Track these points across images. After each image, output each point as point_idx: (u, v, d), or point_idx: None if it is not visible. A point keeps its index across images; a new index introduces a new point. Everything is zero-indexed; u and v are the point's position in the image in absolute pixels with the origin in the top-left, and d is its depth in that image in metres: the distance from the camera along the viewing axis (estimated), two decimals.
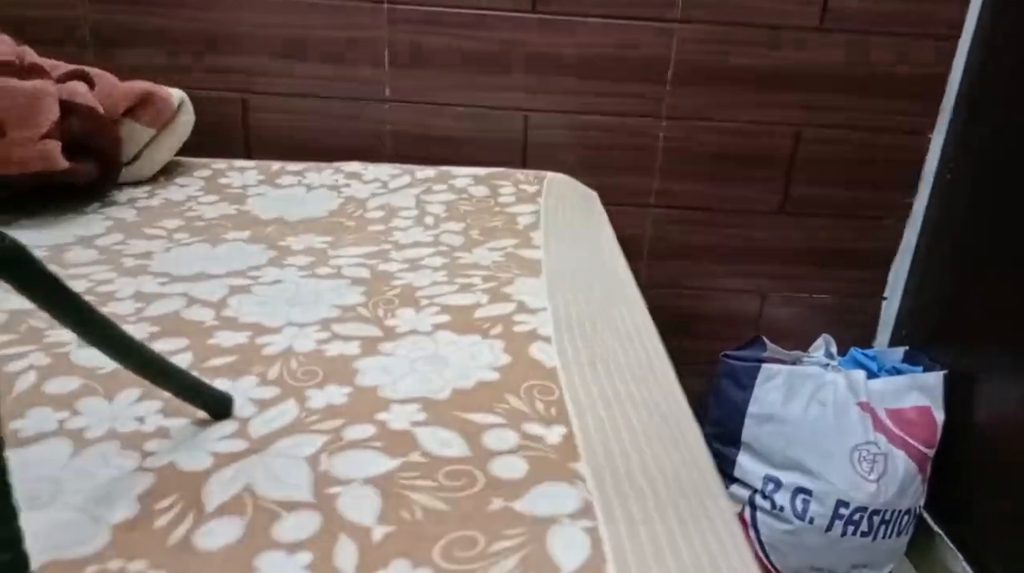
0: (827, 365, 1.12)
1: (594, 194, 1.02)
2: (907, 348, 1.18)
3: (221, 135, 1.06)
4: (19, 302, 0.58)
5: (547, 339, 0.57)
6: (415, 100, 1.08)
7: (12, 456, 0.40)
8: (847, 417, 1.04)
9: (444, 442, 0.44)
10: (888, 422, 1.06)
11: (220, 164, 0.97)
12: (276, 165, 0.97)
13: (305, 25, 1.02)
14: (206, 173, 0.94)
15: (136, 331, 0.55)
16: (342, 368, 0.51)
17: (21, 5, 0.98)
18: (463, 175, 0.97)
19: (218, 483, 0.39)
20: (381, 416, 0.46)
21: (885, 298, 1.24)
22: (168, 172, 0.94)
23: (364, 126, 1.09)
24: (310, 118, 1.08)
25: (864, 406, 1.05)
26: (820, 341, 1.19)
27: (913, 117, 1.10)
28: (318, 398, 0.48)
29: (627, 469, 0.42)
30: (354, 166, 0.98)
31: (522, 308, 0.62)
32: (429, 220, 0.84)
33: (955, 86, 1.08)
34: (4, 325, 0.55)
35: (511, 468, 0.41)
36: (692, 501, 0.41)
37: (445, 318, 0.60)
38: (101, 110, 0.81)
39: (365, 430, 0.44)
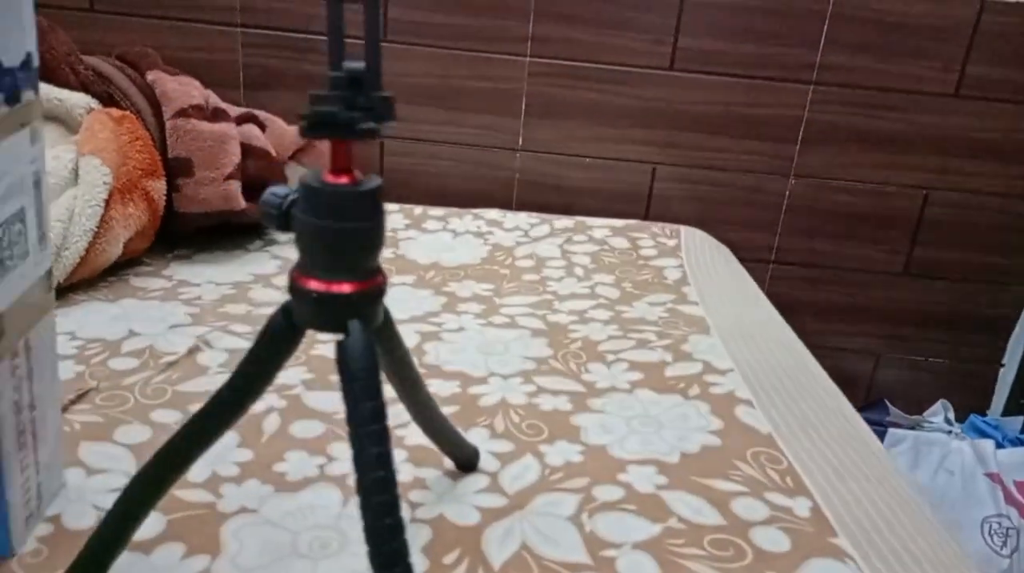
0: (949, 432, 1.10)
1: (726, 248, 1.02)
2: None
3: None
4: (233, 341, 0.61)
5: (748, 402, 0.57)
6: (545, 150, 1.10)
7: (287, 500, 0.42)
8: (976, 487, 1.02)
9: (695, 509, 0.44)
10: (1018, 495, 1.03)
11: None
12: (418, 209, 1.00)
13: (446, 74, 1.06)
14: None
15: None
16: (562, 423, 0.52)
17: (187, 48, 1.03)
18: (600, 226, 0.99)
19: (494, 539, 0.40)
20: (623, 477, 0.46)
21: (1003, 365, 1.21)
22: None
23: (494, 173, 1.11)
24: (442, 163, 1.11)
25: (994, 477, 1.03)
26: (938, 406, 1.17)
27: None
28: (553, 455, 0.48)
29: (890, 548, 0.42)
30: (493, 213, 1.00)
31: (709, 368, 0.63)
32: (579, 271, 0.85)
33: None
34: (226, 364, 0.57)
35: (773, 541, 0.42)
36: None
37: (638, 375, 0.61)
38: (274, 153, 0.84)
39: (613, 491, 0.45)
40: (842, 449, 0.52)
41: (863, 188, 1.11)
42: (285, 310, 0.30)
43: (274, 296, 0.72)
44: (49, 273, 0.37)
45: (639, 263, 0.90)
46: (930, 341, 1.20)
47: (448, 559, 0.39)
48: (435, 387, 0.56)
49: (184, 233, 0.79)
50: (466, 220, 0.98)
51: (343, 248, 0.28)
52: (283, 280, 0.77)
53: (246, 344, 0.60)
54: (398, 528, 0.27)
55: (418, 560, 0.39)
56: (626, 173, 1.11)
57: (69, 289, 0.67)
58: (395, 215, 0.98)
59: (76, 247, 0.65)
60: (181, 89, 0.79)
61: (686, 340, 0.68)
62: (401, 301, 0.73)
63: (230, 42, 1.04)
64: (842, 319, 1.19)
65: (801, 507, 0.45)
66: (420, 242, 0.91)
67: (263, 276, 0.77)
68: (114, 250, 0.70)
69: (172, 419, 0.49)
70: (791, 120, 1.08)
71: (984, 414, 1.24)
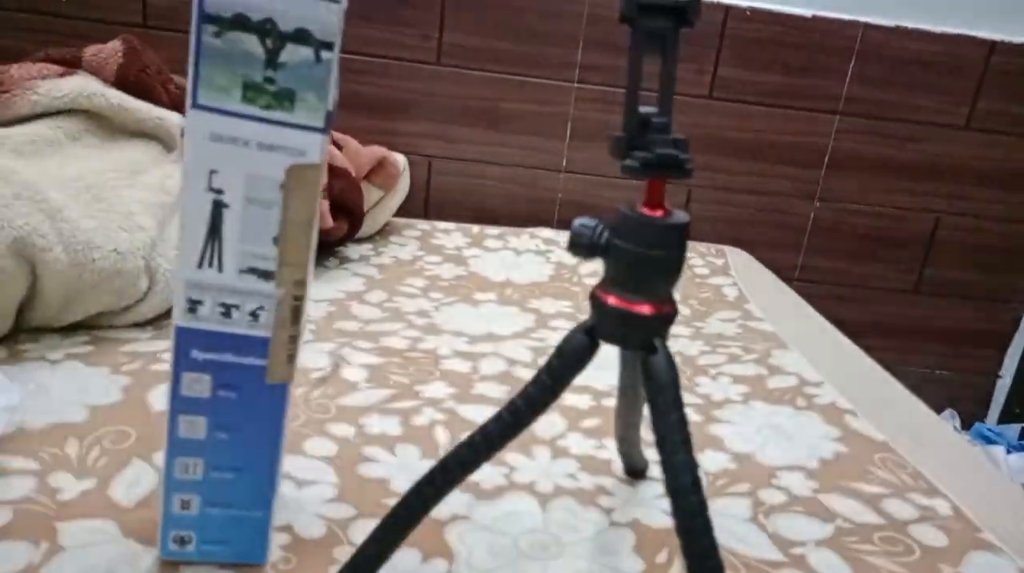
0: None
1: (764, 267, 1.08)
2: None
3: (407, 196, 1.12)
4: (364, 357, 0.62)
5: (852, 413, 0.62)
6: (586, 172, 1.14)
7: (490, 507, 0.45)
8: None
9: (854, 510, 0.48)
10: None
11: (424, 225, 1.03)
12: (475, 228, 1.03)
13: (497, 98, 1.09)
14: (415, 233, 1.00)
15: (492, 391, 0.59)
16: (701, 434, 0.56)
17: None
18: None
19: None
20: (778, 482, 0.50)
21: (1000, 376, 1.30)
22: (380, 231, 0.98)
23: (538, 193, 1.15)
24: (488, 183, 1.14)
25: None
26: (947, 414, 1.25)
27: None
28: (708, 463, 0.52)
29: None
30: (546, 232, 1.04)
31: (803, 381, 0.68)
32: None
33: None
34: (371, 379, 0.59)
35: (931, 537, 0.46)
36: None
37: (745, 388, 0.65)
38: (354, 172, 0.86)
39: (776, 495, 0.49)
40: (945, 451, 0.58)
41: (880, 211, 1.19)
42: (587, 329, 0.33)
43: (374, 313, 0.74)
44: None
45: (696, 281, 0.94)
46: (936, 354, 1.28)
47: (660, 559, 0.42)
48: (571, 401, 0.59)
49: None
50: (523, 239, 1.01)
51: (656, 274, 0.31)
52: (374, 297, 0.79)
53: (378, 360, 0.62)
54: (708, 526, 0.31)
55: (632, 561, 0.42)
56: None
57: None
58: (455, 233, 1.01)
59: None
60: None
61: (770, 354, 0.73)
62: (497, 318, 0.76)
63: None
64: (857, 333, 1.26)
65: (942, 506, 0.49)
66: (486, 260, 0.94)
67: (354, 293, 0.78)
68: None
69: (349, 433, 0.51)
70: (818, 147, 1.15)
71: (982, 422, 1.33)
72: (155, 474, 0.44)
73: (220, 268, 0.32)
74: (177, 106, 0.78)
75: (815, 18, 1.08)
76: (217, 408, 0.34)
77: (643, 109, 0.33)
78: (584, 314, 0.81)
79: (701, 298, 0.88)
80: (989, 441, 1.20)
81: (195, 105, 0.29)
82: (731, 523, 0.46)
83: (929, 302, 1.24)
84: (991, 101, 1.13)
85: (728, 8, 1.07)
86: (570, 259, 0.97)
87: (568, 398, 0.60)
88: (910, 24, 1.10)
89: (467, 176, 1.13)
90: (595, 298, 0.33)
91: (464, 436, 0.52)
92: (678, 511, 0.31)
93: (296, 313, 0.33)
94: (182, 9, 1.03)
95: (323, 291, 0.78)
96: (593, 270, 0.94)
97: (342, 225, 0.84)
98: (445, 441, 0.51)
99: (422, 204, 1.14)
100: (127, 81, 0.73)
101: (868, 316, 1.25)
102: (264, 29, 0.28)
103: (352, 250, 0.91)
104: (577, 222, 0.33)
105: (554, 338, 0.72)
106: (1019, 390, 1.30)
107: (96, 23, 1.01)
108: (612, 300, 0.32)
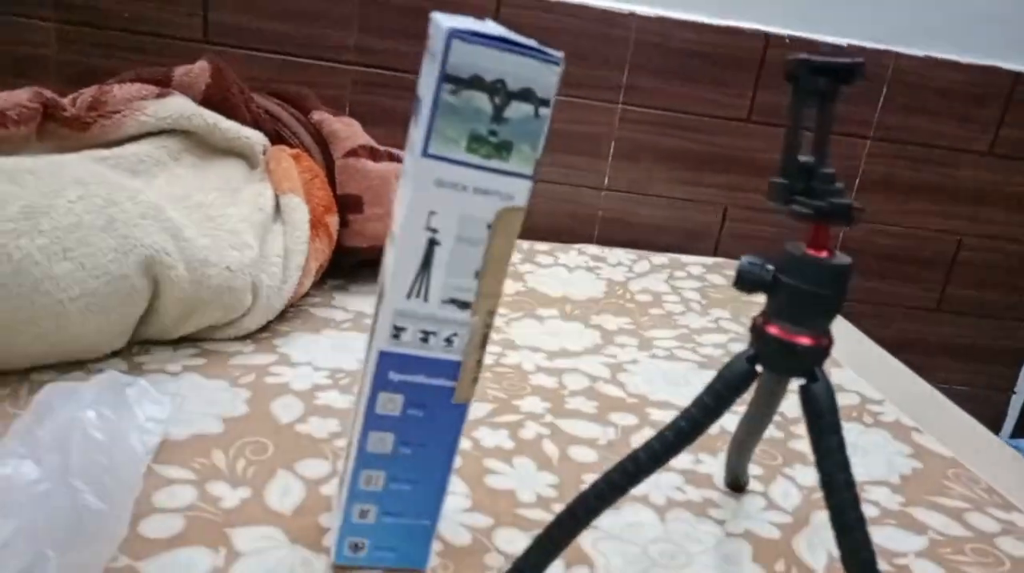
0: None
1: None
2: None
3: None
4: None
5: (917, 429, 0.66)
6: (627, 190, 1.18)
7: (612, 517, 0.48)
8: None
9: (942, 523, 0.52)
10: None
11: None
12: (525, 244, 1.06)
13: None
14: None
15: (584, 406, 0.62)
16: (785, 448, 0.59)
17: (297, 83, 1.06)
18: (693, 263, 1.07)
19: (804, 550, 0.47)
20: (867, 497, 0.54)
21: (1015, 392, 1.36)
22: None
23: (579, 210, 1.18)
24: (533, 200, 1.17)
25: None
26: None
27: None
28: (801, 477, 0.55)
29: None
30: (592, 249, 1.07)
31: (865, 398, 0.71)
32: (695, 306, 0.93)
33: None
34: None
35: (1019, 549, 0.50)
36: None
37: None
38: None
39: (868, 509, 0.52)
40: (1009, 466, 0.62)
41: (905, 232, 1.23)
42: (749, 357, 0.36)
43: None
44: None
45: (743, 299, 0.98)
46: (953, 370, 1.33)
47: (778, 567, 0.45)
48: (657, 416, 0.62)
49: (350, 267, 0.83)
50: (572, 255, 1.04)
51: (818, 309, 0.35)
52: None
53: None
54: (867, 539, 0.34)
55: (754, 570, 0.45)
56: (699, 212, 1.20)
57: (272, 322, 0.70)
58: None
59: (291, 282, 0.68)
60: (347, 129, 0.84)
61: (828, 372, 0.77)
62: (566, 334, 0.79)
63: (342, 79, 1.08)
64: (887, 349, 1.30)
65: (1020, 520, 0.53)
66: (540, 276, 0.97)
67: None
68: (308, 283, 0.73)
69: (467, 445, 0.53)
70: (850, 170, 1.19)
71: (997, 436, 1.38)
72: (301, 484, 0.47)
73: (426, 298, 0.35)
74: (257, 124, 0.80)
75: (850, 47, 1.13)
76: (405, 425, 0.37)
77: (801, 157, 0.36)
78: (644, 331, 0.85)
79: (751, 315, 0.92)
80: None
81: (425, 154, 0.32)
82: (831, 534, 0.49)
83: (949, 320, 1.29)
84: (1014, 129, 1.18)
85: (768, 36, 1.11)
86: (619, 276, 1.00)
87: (655, 414, 0.63)
88: (939, 55, 1.15)
89: None
90: (756, 328, 0.37)
91: (570, 449, 0.55)
92: (838, 525, 0.34)
93: (485, 339, 0.36)
94: (241, 26, 1.05)
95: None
96: (643, 288, 0.97)
97: None
98: (555, 454, 0.54)
99: None
100: (214, 100, 0.76)
101: (890, 332, 1.29)
102: (495, 88, 0.31)
103: None
104: (745, 260, 0.36)
105: (623, 355, 0.75)
106: None
107: (158, 38, 1.03)
108: (774, 330, 0.36)
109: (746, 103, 1.15)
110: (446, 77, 0.31)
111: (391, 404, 0.37)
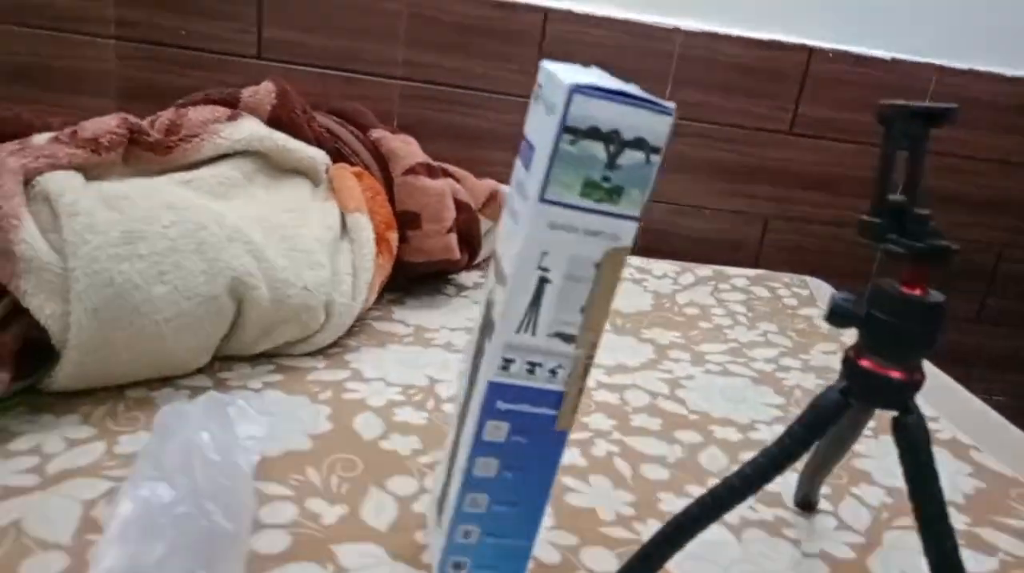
0: None
1: None
2: None
3: None
4: None
5: (975, 448, 0.67)
6: (671, 201, 1.19)
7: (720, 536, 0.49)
8: None
9: (1010, 544, 0.53)
10: None
11: None
12: None
13: None
14: None
15: (650, 424, 0.64)
16: (847, 468, 0.61)
17: (350, 98, 1.09)
18: (737, 275, 1.08)
19: (880, 570, 0.48)
20: None
21: None
22: (487, 258, 1.03)
23: None
24: None
25: None
26: None
27: None
28: (868, 497, 0.57)
29: None
30: (636, 260, 1.09)
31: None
32: (742, 319, 0.94)
33: None
34: None
35: None
36: None
37: (871, 422, 0.70)
38: (475, 206, 0.91)
39: None
40: None
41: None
42: (841, 389, 0.38)
43: None
44: None
45: (788, 312, 0.99)
46: (990, 380, 1.33)
47: None
48: (723, 434, 0.64)
49: (405, 281, 0.85)
50: None
51: (911, 345, 0.36)
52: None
53: None
54: (959, 565, 0.35)
55: None
56: (740, 224, 1.21)
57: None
58: None
59: (360, 299, 0.71)
60: (406, 147, 0.86)
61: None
62: (621, 348, 0.81)
63: (390, 93, 1.11)
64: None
65: None
66: None
67: None
68: (373, 298, 0.75)
69: None
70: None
71: None
72: (393, 500, 0.49)
73: (534, 333, 0.37)
74: (319, 142, 0.82)
75: (894, 60, 1.14)
76: (509, 451, 0.39)
77: (892, 197, 0.38)
78: (695, 345, 0.86)
79: (797, 329, 0.93)
80: None
81: (542, 199, 0.34)
82: (904, 556, 0.50)
83: (988, 330, 1.29)
84: None
85: (811, 50, 1.12)
86: (665, 288, 1.01)
87: (718, 432, 0.64)
88: (982, 68, 1.15)
89: None
90: (849, 361, 0.38)
91: (642, 468, 0.57)
92: (933, 549, 0.36)
93: (586, 370, 0.38)
94: (293, 41, 1.08)
95: (451, 319, 0.82)
96: (689, 301, 0.99)
97: (464, 256, 0.88)
98: (628, 472, 0.56)
99: None
100: (280, 121, 0.78)
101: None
102: (610, 138, 0.33)
103: (465, 278, 0.96)
104: (837, 296, 0.38)
105: (678, 370, 0.76)
106: None
107: (215, 54, 1.06)
108: (866, 363, 0.37)
109: (788, 116, 1.16)
110: (566, 128, 0.33)
111: (497, 431, 0.39)
